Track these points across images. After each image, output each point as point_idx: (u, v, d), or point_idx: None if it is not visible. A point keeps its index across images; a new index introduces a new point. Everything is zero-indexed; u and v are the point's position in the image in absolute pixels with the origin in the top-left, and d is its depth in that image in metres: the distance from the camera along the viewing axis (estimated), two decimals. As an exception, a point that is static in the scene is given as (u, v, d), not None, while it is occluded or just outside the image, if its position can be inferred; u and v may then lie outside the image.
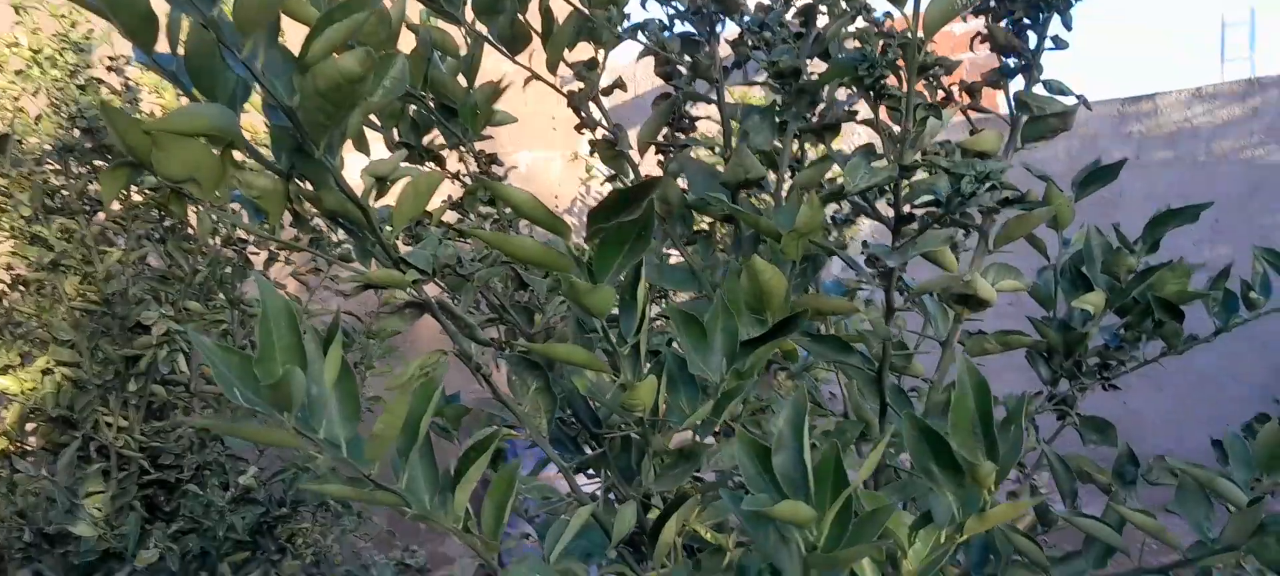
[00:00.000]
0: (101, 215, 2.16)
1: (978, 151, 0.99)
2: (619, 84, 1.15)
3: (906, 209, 0.85)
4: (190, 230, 2.14)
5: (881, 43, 0.77)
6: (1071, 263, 1.22)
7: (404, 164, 1.21)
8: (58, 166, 2.10)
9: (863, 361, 0.95)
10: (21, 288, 2.08)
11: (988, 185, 0.79)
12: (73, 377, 1.97)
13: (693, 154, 1.13)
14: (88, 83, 2.18)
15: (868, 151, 0.87)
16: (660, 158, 1.24)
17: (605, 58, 1.14)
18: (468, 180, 1.45)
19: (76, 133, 2.08)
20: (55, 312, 1.96)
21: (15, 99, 2.15)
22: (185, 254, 2.11)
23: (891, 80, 0.82)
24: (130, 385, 1.95)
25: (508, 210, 1.36)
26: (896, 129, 0.92)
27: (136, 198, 2.13)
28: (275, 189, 0.64)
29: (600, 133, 1.16)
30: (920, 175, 0.95)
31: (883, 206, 0.97)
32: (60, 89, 2.15)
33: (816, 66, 0.99)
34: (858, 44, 0.78)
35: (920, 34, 0.78)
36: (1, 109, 2.11)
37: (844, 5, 1.16)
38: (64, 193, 2.10)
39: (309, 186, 0.67)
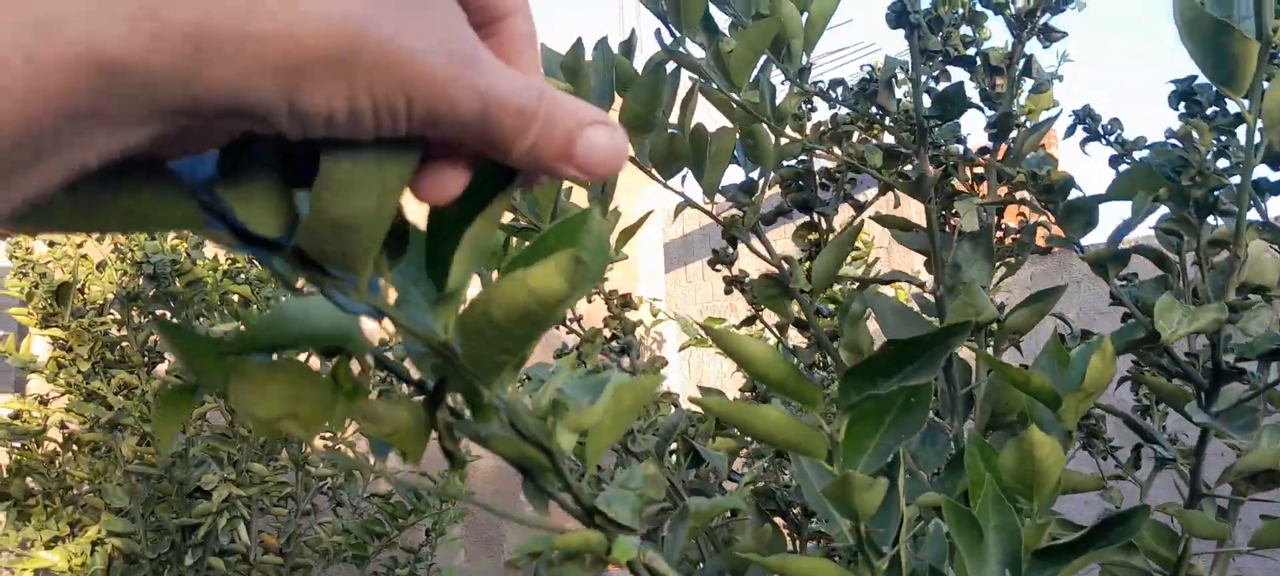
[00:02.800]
0: (161, 367, 2.00)
1: (1257, 286, 0.79)
2: (782, 210, 0.97)
3: (1228, 361, 0.64)
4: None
5: (1213, 142, 0.58)
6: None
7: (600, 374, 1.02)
8: (119, 317, 1.96)
9: (1145, 561, 0.72)
10: (75, 448, 1.91)
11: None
12: (124, 550, 1.77)
13: (875, 291, 0.94)
14: (156, 227, 2.06)
15: (1162, 285, 0.67)
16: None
17: (765, 182, 0.96)
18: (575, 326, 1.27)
19: (141, 281, 1.95)
20: (111, 477, 1.78)
21: (78, 244, 2.03)
22: (250, 409, 1.93)
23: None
24: (187, 559, 1.75)
25: (626, 361, 1.16)
26: (1174, 257, 0.72)
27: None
28: (415, 425, 0.39)
29: (762, 268, 0.97)
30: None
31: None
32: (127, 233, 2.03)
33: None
34: (1178, 144, 0.59)
35: (1259, 128, 0.59)
36: (65, 255, 1.99)
37: (1044, 115, 0.98)
38: (124, 344, 1.95)
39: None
